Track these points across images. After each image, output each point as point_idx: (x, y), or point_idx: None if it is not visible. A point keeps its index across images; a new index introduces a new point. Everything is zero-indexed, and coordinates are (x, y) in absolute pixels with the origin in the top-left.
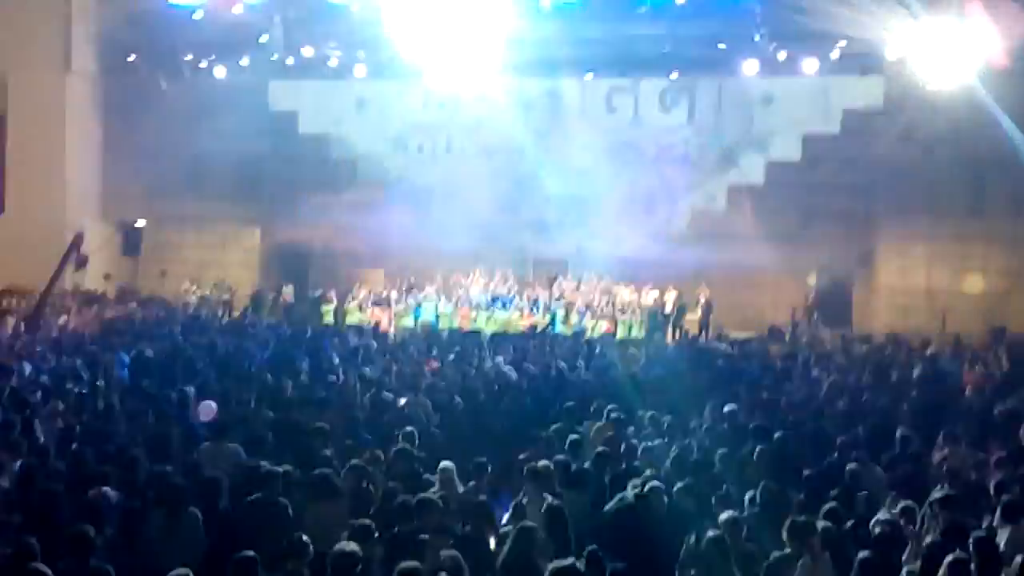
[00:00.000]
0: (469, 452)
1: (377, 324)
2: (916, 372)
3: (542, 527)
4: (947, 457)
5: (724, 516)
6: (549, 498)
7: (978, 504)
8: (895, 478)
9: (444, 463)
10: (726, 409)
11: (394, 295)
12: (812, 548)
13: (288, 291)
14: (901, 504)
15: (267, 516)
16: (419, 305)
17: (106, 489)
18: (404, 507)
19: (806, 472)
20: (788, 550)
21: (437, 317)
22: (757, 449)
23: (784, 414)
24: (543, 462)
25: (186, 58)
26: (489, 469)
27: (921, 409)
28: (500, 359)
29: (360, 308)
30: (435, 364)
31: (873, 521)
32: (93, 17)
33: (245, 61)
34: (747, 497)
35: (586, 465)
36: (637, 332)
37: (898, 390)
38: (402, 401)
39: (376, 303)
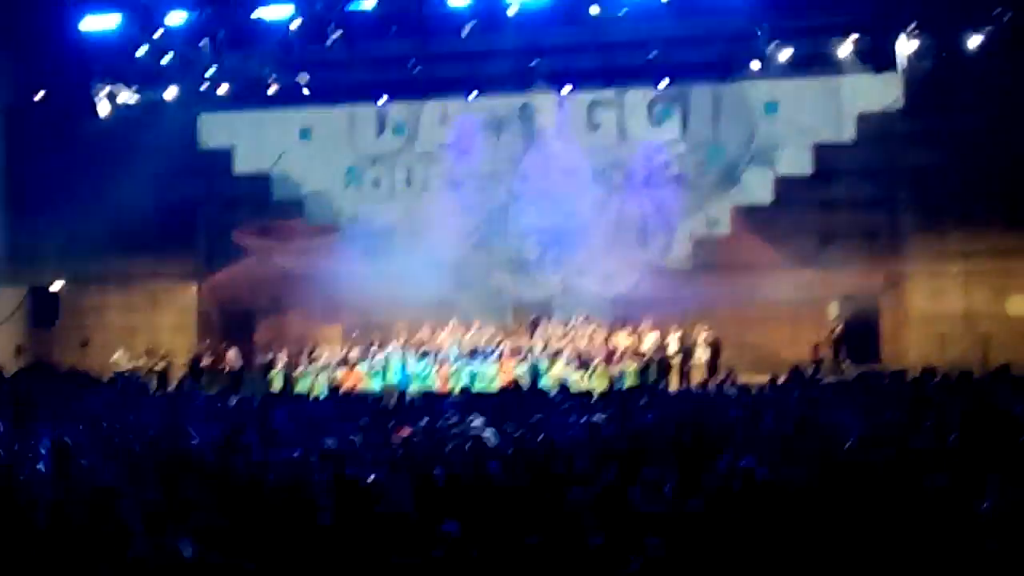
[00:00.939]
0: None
1: (336, 388)
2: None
3: None
4: (998, 505)
5: None
6: None
7: None
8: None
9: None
10: (741, 464)
11: (354, 354)
12: None
13: (232, 355)
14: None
15: None
16: (384, 366)
17: None
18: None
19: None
20: None
21: (407, 377)
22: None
23: (808, 465)
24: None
25: (102, 92)
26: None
27: (966, 451)
28: (478, 423)
29: (314, 372)
30: (406, 431)
31: None
32: None
33: (170, 93)
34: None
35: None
36: (635, 380)
37: (938, 432)
38: (370, 478)
39: (337, 364)
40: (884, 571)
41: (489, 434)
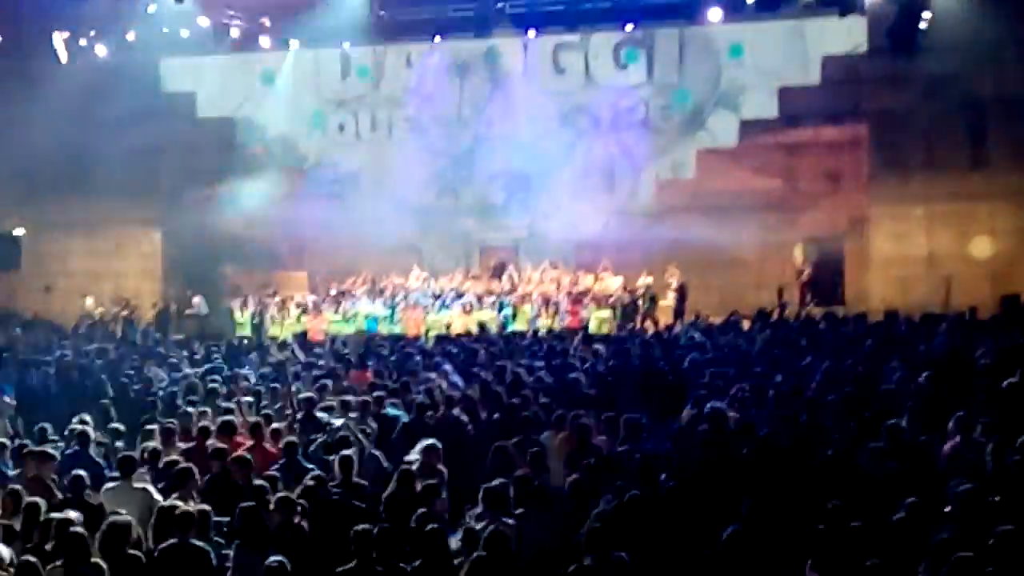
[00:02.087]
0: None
1: (304, 334)
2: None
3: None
4: (959, 447)
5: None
6: (509, 522)
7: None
8: (901, 473)
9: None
10: (707, 408)
11: (320, 300)
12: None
13: (198, 302)
14: (909, 501)
15: (185, 564)
16: (351, 312)
17: None
18: (342, 543)
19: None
20: None
21: (375, 321)
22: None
23: (774, 407)
24: (498, 480)
25: (63, 36)
26: (443, 493)
27: (929, 395)
28: (447, 367)
29: (282, 316)
30: (369, 375)
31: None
32: None
33: (132, 36)
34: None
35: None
36: (602, 325)
37: (901, 374)
38: (337, 422)
39: (303, 310)
40: (851, 511)
41: (457, 378)
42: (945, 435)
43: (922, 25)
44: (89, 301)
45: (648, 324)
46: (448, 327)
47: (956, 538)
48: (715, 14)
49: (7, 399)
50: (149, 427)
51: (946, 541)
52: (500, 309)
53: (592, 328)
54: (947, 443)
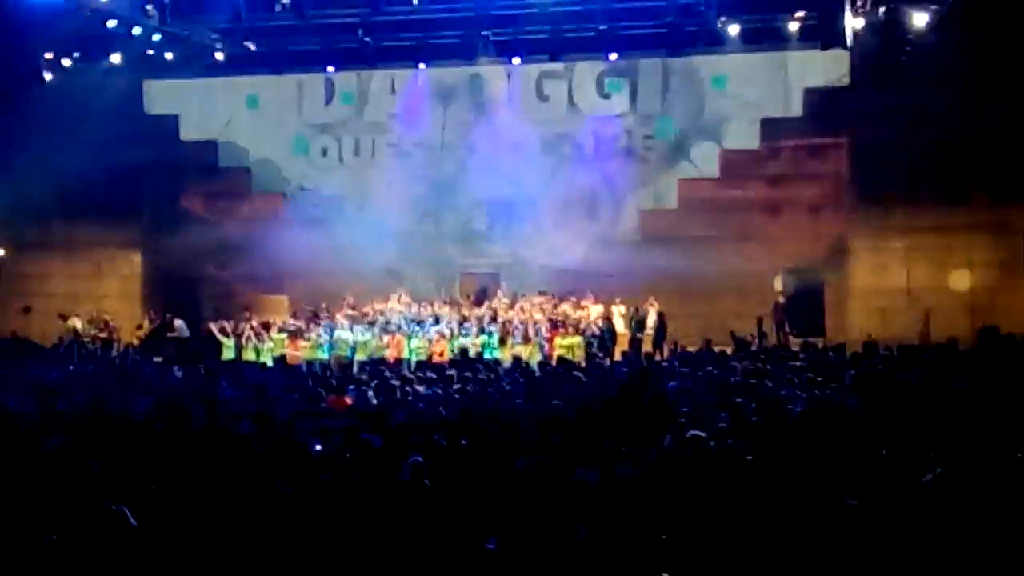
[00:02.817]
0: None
1: (283, 358)
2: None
3: None
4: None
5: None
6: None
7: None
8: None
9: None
10: (689, 435)
11: (301, 324)
12: None
13: (180, 325)
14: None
15: None
16: (331, 336)
17: None
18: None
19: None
20: None
21: (354, 348)
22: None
23: (752, 436)
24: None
25: (46, 57)
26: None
27: (909, 423)
28: (421, 389)
29: (259, 340)
30: (348, 401)
31: None
32: None
33: (116, 58)
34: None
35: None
36: (582, 353)
37: (880, 404)
38: (317, 447)
39: (288, 334)
40: (831, 539)
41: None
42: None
43: (904, 59)
44: (75, 322)
45: (626, 351)
46: (428, 353)
47: None
48: (699, 45)
49: None
50: None
51: None
52: (480, 335)
53: (560, 354)
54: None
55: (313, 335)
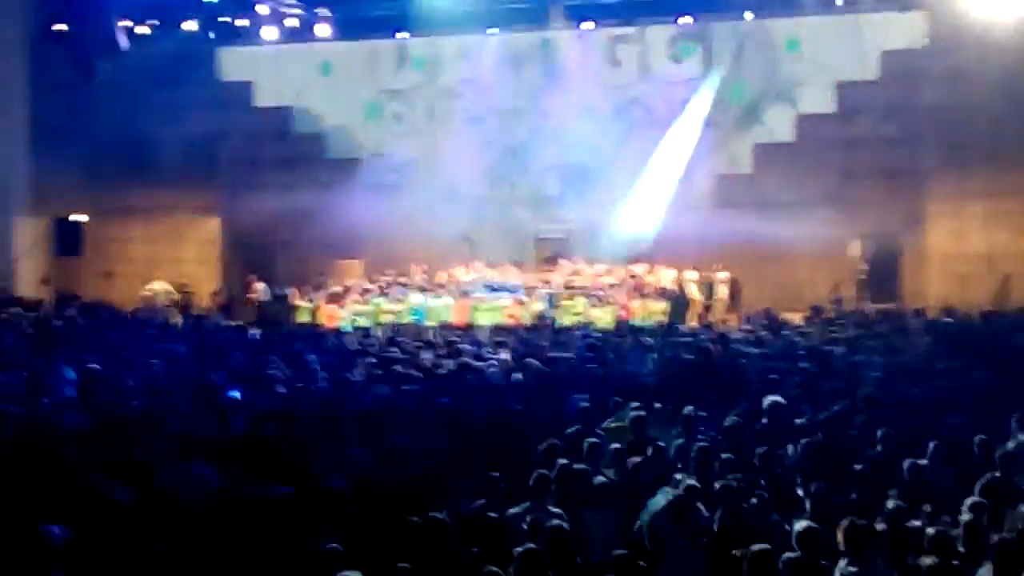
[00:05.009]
0: (474, 464)
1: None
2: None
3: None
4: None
5: (800, 526)
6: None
7: None
8: (959, 473)
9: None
10: (765, 402)
11: (375, 288)
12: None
13: (260, 288)
14: (969, 501)
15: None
16: (404, 301)
17: (52, 527)
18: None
19: (858, 468)
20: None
21: (423, 312)
22: (801, 445)
23: (828, 404)
24: (561, 468)
25: (122, 24)
26: (501, 484)
27: (988, 393)
28: (503, 355)
29: (335, 303)
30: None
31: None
32: None
33: (190, 26)
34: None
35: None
36: (656, 318)
37: (959, 371)
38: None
39: (358, 298)
40: (910, 510)
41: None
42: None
43: (981, 20)
44: (157, 285)
45: (701, 317)
46: (502, 319)
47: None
48: (772, 7)
49: None
50: None
51: (1007, 541)
52: (552, 301)
53: (640, 321)
54: (1009, 442)
55: (386, 300)
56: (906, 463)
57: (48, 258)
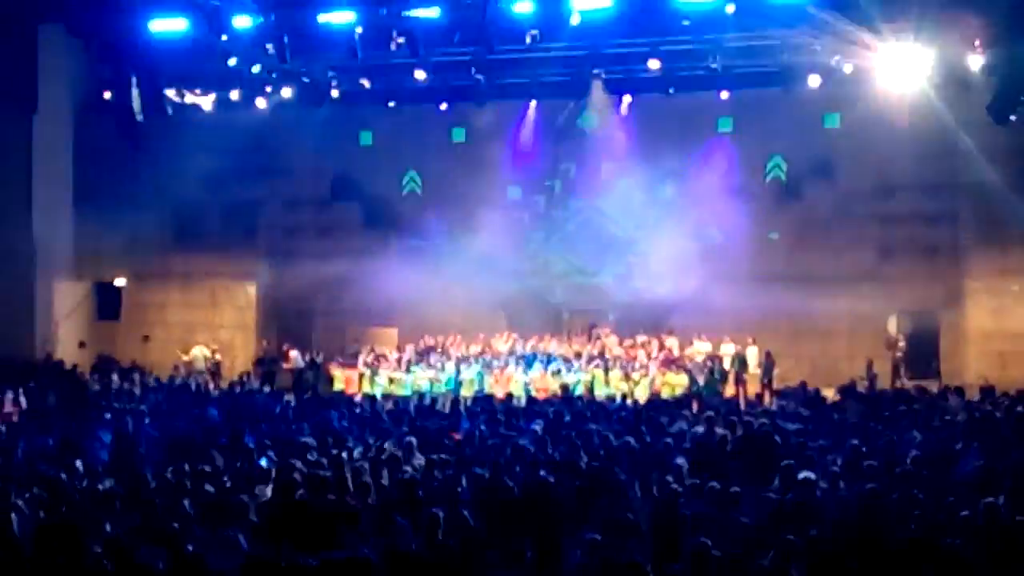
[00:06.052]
0: (505, 537)
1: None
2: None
3: None
4: None
5: None
6: None
7: None
8: (993, 553)
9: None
10: (800, 476)
11: (411, 357)
12: None
13: (295, 356)
14: None
15: None
16: (440, 371)
17: None
18: None
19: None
20: None
21: (459, 383)
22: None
23: (864, 481)
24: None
25: (168, 93)
26: (528, 555)
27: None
28: (536, 427)
29: (372, 374)
30: (457, 437)
31: None
32: (62, 49)
33: (235, 94)
34: None
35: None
36: (675, 390)
37: (997, 451)
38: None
39: (394, 366)
40: None
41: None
42: None
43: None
44: (196, 351)
45: (734, 390)
46: (535, 390)
47: None
48: (812, 82)
49: None
50: None
51: None
52: (587, 372)
53: (665, 393)
54: None
55: (421, 369)
56: (942, 542)
57: (88, 322)
